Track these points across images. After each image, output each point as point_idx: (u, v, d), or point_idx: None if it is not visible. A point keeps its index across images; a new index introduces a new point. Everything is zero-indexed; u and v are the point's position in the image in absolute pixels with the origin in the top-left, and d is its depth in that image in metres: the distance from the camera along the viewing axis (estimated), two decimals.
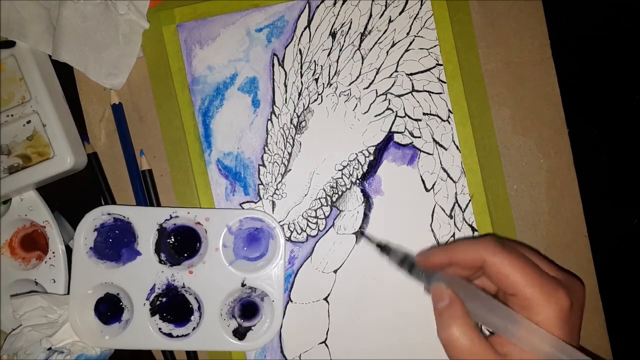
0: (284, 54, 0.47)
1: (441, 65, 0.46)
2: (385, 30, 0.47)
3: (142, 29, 0.47)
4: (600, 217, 0.46)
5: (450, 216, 0.47)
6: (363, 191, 0.47)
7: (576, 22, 0.47)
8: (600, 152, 0.47)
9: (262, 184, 0.47)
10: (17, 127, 0.45)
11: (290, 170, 0.47)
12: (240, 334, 0.45)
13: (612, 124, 0.47)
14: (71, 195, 0.48)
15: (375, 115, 0.47)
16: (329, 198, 0.47)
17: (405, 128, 0.47)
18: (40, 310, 0.44)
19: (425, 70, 0.47)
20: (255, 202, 0.47)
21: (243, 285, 0.45)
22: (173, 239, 0.46)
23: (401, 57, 0.47)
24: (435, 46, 0.46)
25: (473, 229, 0.46)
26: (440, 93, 0.47)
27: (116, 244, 0.46)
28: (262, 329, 0.45)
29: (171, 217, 0.45)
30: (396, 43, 0.47)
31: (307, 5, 0.47)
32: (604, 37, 0.47)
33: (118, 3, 0.45)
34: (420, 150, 0.47)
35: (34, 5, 0.45)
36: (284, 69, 0.47)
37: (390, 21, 0.47)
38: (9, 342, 0.44)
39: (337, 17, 0.47)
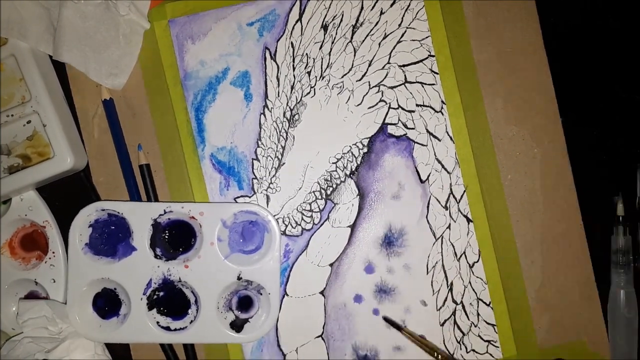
0: (276, 47, 0.47)
1: (433, 56, 0.46)
2: (377, 22, 0.47)
3: (143, 29, 0.47)
4: (594, 206, 0.46)
5: (446, 207, 0.47)
6: (357, 184, 0.47)
7: (567, 10, 0.47)
8: (594, 140, 0.47)
9: (256, 178, 0.47)
10: (17, 127, 0.45)
11: (284, 164, 0.47)
12: (237, 326, 0.45)
13: (605, 112, 0.47)
14: (71, 195, 0.48)
15: (369, 107, 0.47)
16: (323, 191, 0.47)
17: (399, 119, 0.47)
18: (44, 320, 0.44)
19: (417, 62, 0.47)
20: (250, 197, 0.47)
21: (239, 278, 0.45)
22: (168, 234, 0.46)
23: (393, 48, 0.47)
24: (427, 37, 0.46)
25: (468, 220, 0.46)
26: (433, 84, 0.47)
27: (111, 239, 0.46)
28: (259, 322, 0.45)
29: (165, 212, 0.44)
30: (388, 35, 0.47)
31: None
32: (595, 25, 0.47)
33: (119, 3, 0.45)
34: (414, 142, 0.47)
35: (34, 5, 0.45)
36: (276, 63, 0.47)
37: (381, 13, 0.47)
38: (7, 347, 0.44)
39: (328, 10, 0.47)
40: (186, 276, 0.45)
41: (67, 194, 0.48)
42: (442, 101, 0.46)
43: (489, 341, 0.46)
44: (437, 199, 0.47)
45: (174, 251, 0.46)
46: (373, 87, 0.47)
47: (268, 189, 0.47)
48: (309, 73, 0.47)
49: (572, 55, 0.47)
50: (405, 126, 0.47)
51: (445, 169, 0.47)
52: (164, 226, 0.46)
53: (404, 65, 0.47)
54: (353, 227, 0.47)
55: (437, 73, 0.46)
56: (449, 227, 0.46)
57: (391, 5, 0.47)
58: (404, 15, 0.47)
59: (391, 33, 0.47)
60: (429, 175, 0.47)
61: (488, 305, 0.46)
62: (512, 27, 0.46)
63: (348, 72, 0.47)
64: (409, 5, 0.46)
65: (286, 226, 0.47)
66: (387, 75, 0.47)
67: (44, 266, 0.47)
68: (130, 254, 0.45)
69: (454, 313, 0.46)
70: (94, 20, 0.45)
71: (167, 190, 0.47)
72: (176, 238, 0.46)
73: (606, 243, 0.46)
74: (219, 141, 0.47)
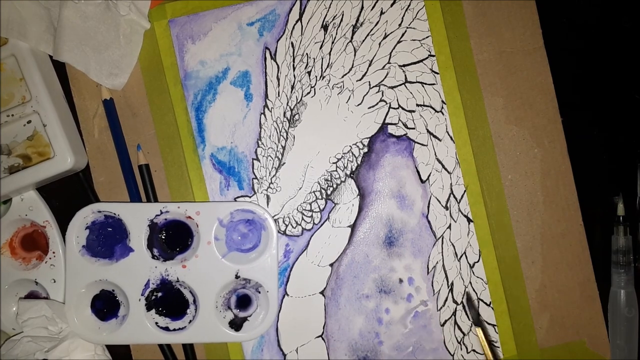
0: (276, 47, 0.47)
1: (433, 56, 0.46)
2: (377, 22, 0.47)
3: (143, 29, 0.47)
4: (595, 206, 0.46)
5: (446, 207, 0.46)
6: (358, 183, 0.47)
7: (567, 10, 0.47)
8: (594, 140, 0.47)
9: (256, 178, 0.47)
10: (18, 127, 0.45)
11: (284, 163, 0.47)
12: (236, 325, 0.45)
13: (605, 112, 0.47)
14: (71, 195, 0.48)
15: (369, 107, 0.47)
16: (323, 191, 0.47)
17: (399, 119, 0.47)
18: (43, 320, 0.44)
19: (418, 62, 0.47)
20: (250, 197, 0.47)
21: (237, 277, 0.44)
22: (165, 234, 0.46)
23: (393, 48, 0.47)
24: (427, 37, 0.46)
25: (469, 220, 0.46)
26: (433, 84, 0.47)
27: (108, 241, 0.46)
28: (258, 320, 0.45)
29: (162, 212, 0.44)
30: (388, 35, 0.47)
31: None
32: (596, 26, 0.47)
33: (119, 3, 0.45)
34: (415, 142, 0.47)
35: (34, 5, 0.45)
36: (276, 63, 0.47)
37: (382, 13, 0.47)
38: (6, 347, 0.44)
39: (328, 10, 0.47)
40: (184, 276, 0.44)
41: (67, 194, 0.48)
42: (443, 101, 0.46)
43: (489, 341, 0.46)
44: (438, 199, 0.46)
45: (172, 251, 0.46)
46: (373, 87, 0.47)
47: (268, 188, 0.47)
48: (309, 73, 0.47)
49: (572, 55, 0.47)
50: (406, 126, 0.47)
51: (446, 169, 0.46)
52: (161, 226, 0.45)
53: (404, 65, 0.47)
54: (353, 227, 0.47)
55: (437, 73, 0.46)
56: (449, 227, 0.46)
57: (391, 5, 0.47)
58: (404, 15, 0.47)
59: (391, 33, 0.47)
60: (429, 175, 0.47)
61: (488, 305, 0.46)
62: (512, 27, 0.46)
63: (348, 72, 0.47)
64: (409, 5, 0.47)
65: (286, 226, 0.47)
66: (387, 75, 0.47)
67: (44, 266, 0.47)
68: (128, 255, 0.45)
69: (454, 313, 0.46)
70: (94, 20, 0.45)
71: (167, 190, 0.47)
72: (173, 238, 0.46)
73: (606, 243, 0.46)
74: (219, 141, 0.47)
